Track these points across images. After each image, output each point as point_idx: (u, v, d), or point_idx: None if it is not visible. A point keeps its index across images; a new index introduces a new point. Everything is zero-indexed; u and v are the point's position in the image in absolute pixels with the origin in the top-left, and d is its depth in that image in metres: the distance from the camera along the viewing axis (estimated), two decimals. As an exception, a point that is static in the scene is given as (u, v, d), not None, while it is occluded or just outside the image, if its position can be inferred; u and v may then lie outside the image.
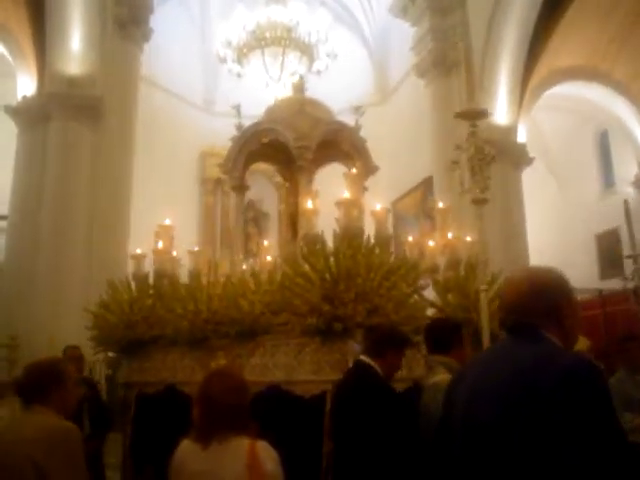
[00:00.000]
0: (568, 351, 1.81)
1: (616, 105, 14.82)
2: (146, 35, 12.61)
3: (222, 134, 15.92)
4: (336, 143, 6.87)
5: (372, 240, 4.70)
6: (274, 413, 4.38)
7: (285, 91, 12.64)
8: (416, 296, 4.73)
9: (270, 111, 7.15)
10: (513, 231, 11.65)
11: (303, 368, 4.54)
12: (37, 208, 10.53)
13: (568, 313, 1.87)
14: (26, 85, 11.39)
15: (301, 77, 7.01)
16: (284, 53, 12.73)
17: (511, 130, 12.30)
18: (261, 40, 12.61)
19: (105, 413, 6.06)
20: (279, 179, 15.54)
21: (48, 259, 10.18)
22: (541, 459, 1.60)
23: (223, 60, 13.25)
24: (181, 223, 14.76)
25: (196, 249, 7.45)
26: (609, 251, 15.24)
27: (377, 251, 4.52)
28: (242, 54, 12.91)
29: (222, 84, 16.32)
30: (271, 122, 6.87)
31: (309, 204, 5.46)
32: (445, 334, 3.72)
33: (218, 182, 16.68)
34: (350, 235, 4.61)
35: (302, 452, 3.98)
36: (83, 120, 10.90)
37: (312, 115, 6.81)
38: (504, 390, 1.73)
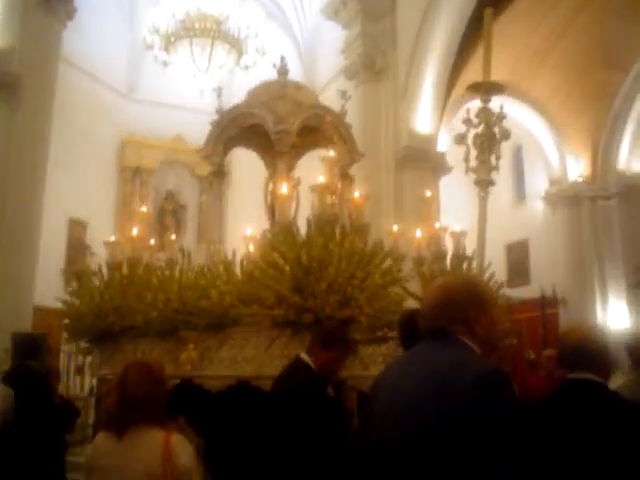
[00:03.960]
0: (480, 358, 1.85)
1: (531, 122, 15.43)
2: (70, 13, 11.94)
3: (143, 122, 15.75)
4: (319, 128, 6.58)
5: (347, 228, 4.54)
6: (243, 410, 4.28)
7: (211, 83, 12.55)
8: (395, 288, 4.56)
9: (251, 94, 6.83)
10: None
11: (272, 363, 4.42)
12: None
13: (479, 321, 1.91)
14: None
15: (283, 58, 6.76)
16: (212, 45, 12.59)
17: (432, 138, 12.57)
18: (190, 30, 12.44)
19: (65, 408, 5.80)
20: (201, 171, 15.39)
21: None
22: (452, 462, 1.65)
23: (150, 47, 12.96)
24: (97, 211, 14.49)
25: (173, 237, 7.24)
26: (518, 261, 15.87)
27: (352, 240, 4.35)
28: (169, 42, 12.69)
29: (146, 71, 15.88)
30: (250, 106, 6.55)
31: (283, 189, 5.22)
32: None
33: (137, 170, 16.26)
34: (323, 222, 4.42)
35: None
36: (-3, 97, 10.37)
37: (294, 99, 6.49)
38: (418, 393, 1.78)
